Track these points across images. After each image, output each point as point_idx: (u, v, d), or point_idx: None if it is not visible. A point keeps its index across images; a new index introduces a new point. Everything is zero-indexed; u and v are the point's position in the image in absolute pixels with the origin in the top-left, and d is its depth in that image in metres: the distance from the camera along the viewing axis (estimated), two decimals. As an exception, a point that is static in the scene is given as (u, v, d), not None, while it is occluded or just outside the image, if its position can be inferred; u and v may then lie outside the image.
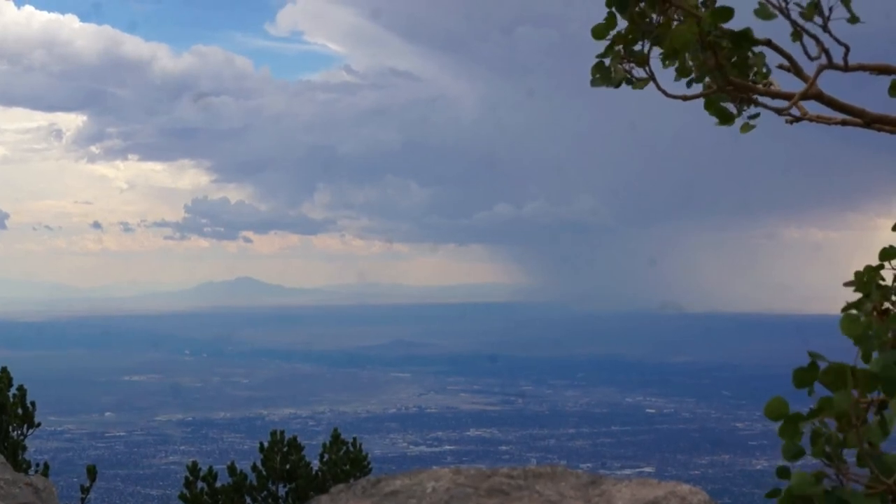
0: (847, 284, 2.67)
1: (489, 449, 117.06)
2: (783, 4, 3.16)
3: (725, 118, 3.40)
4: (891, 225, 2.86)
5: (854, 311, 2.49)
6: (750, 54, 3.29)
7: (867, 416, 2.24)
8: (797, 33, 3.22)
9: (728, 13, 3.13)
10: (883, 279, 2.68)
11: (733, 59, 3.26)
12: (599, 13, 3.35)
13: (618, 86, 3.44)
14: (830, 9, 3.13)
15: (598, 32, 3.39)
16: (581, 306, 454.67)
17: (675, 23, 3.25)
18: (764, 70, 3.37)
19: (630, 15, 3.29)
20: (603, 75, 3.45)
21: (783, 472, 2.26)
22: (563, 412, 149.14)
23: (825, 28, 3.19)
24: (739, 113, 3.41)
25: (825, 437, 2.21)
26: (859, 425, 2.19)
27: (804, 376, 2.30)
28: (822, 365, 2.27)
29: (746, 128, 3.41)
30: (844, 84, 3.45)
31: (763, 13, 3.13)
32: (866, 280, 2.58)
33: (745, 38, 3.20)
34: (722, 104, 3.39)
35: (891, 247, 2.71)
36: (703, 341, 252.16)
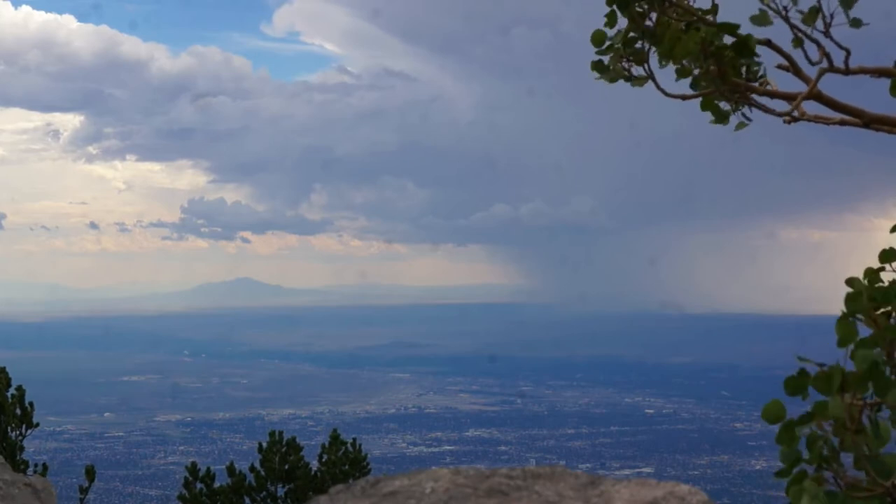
0: (848, 283, 2.65)
1: (488, 449, 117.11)
2: (783, 11, 3.16)
3: (720, 116, 3.41)
4: (887, 226, 2.85)
5: (851, 317, 2.55)
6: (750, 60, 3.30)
7: (862, 418, 2.25)
8: (798, 39, 3.23)
9: (733, 29, 3.15)
10: (882, 281, 2.68)
11: (734, 66, 3.27)
12: (596, 13, 3.35)
13: (614, 81, 3.45)
14: (832, 14, 3.14)
15: (598, 39, 3.39)
16: (580, 307, 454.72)
17: (673, 22, 3.26)
18: (755, 69, 3.37)
19: (630, 14, 3.29)
20: (602, 73, 3.45)
21: (784, 473, 2.26)
22: (562, 412, 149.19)
23: (826, 33, 3.19)
24: (734, 111, 3.41)
25: (822, 441, 2.22)
26: (854, 429, 2.20)
27: (796, 384, 2.30)
28: (812, 369, 2.27)
29: (741, 126, 3.41)
30: (843, 83, 3.45)
31: (760, 20, 3.14)
32: (868, 282, 2.60)
33: (745, 47, 3.21)
34: (718, 103, 3.40)
35: (891, 248, 2.71)
36: (702, 341, 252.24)
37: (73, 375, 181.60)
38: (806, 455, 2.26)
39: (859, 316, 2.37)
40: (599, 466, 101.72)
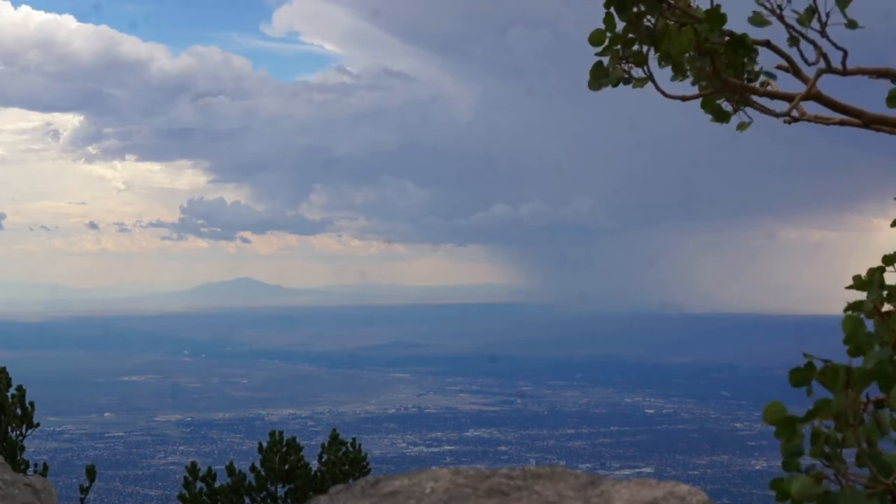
0: (849, 288, 2.66)
1: (488, 449, 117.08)
2: (778, 10, 3.15)
3: (721, 116, 3.40)
4: (887, 226, 2.86)
5: (854, 312, 2.55)
6: (745, 59, 3.29)
7: (864, 415, 2.26)
8: (794, 39, 3.22)
9: (722, 18, 3.13)
10: (884, 282, 2.69)
11: (733, 66, 3.26)
12: (596, 13, 3.35)
13: (616, 85, 3.44)
14: (828, 14, 3.13)
15: (596, 39, 3.38)
16: (580, 307, 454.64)
17: (672, 24, 3.25)
18: (756, 69, 3.36)
19: (628, 16, 3.28)
20: (601, 75, 3.44)
21: (789, 466, 2.27)
22: (562, 412, 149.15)
23: (823, 33, 3.18)
24: (735, 112, 3.40)
25: (824, 437, 2.22)
26: (857, 425, 2.21)
27: (800, 376, 2.31)
28: (819, 365, 2.28)
29: (743, 126, 3.40)
30: (842, 84, 3.45)
31: (756, 21, 3.13)
32: (869, 281, 2.61)
33: (741, 45, 3.19)
34: (718, 103, 3.38)
35: (894, 253, 2.72)
36: (702, 341, 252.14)
37: (73, 375, 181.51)
38: (807, 450, 2.26)
39: (867, 306, 2.52)
40: (599, 466, 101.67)
